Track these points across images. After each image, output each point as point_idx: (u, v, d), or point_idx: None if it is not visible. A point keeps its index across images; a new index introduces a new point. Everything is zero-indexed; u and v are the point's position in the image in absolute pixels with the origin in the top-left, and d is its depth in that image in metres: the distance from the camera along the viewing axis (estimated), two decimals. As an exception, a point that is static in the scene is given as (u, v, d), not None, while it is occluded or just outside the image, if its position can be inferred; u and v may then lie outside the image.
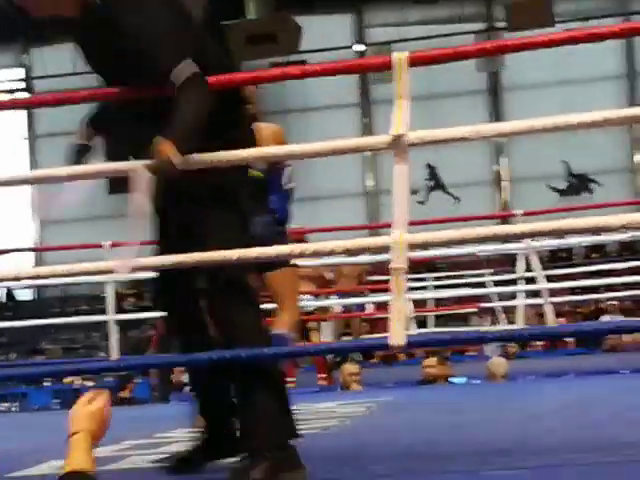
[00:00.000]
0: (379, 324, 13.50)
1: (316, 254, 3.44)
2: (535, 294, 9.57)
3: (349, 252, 3.42)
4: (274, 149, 3.69)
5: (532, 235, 3.97)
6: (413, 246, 3.35)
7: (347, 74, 3.38)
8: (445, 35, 19.88)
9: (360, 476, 3.25)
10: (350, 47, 21.82)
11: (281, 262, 4.65)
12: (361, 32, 22.63)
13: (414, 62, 3.16)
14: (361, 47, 21.92)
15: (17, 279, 3.79)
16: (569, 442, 3.62)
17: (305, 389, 8.79)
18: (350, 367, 8.42)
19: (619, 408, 4.92)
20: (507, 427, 4.35)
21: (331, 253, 3.44)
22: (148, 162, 3.08)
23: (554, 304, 8.83)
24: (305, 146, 3.34)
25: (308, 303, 9.44)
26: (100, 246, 7.93)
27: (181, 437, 4.59)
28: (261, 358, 3.14)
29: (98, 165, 3.69)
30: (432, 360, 8.37)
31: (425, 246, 3.14)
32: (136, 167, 3.17)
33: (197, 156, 3.11)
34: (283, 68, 3.52)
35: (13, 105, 4.06)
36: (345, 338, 10.53)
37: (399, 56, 3.13)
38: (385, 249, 3.35)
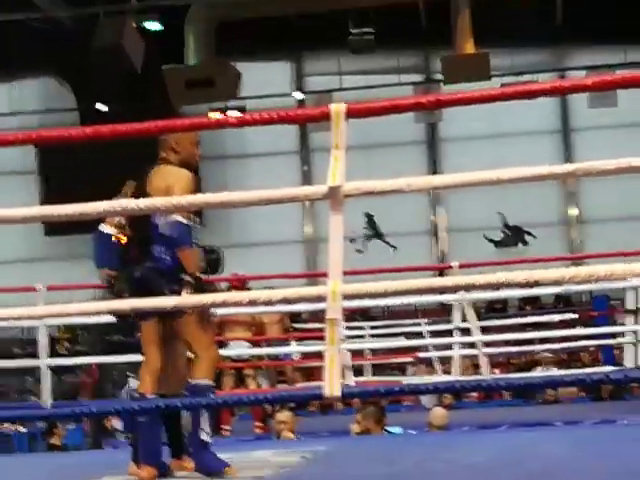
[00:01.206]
0: (315, 372, 13.47)
1: (252, 303, 3.43)
2: (471, 345, 9.62)
3: (283, 302, 3.42)
4: (209, 197, 3.68)
5: (468, 288, 4.00)
6: (348, 296, 3.35)
7: (286, 124, 3.39)
8: (383, 85, 20.09)
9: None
10: (290, 94, 21.93)
11: (179, 310, 4.53)
12: (300, 80, 22.77)
13: (352, 114, 3.18)
14: (300, 95, 22.06)
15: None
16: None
17: (241, 437, 8.72)
18: (281, 415, 8.35)
19: (552, 460, 4.94)
20: (440, 478, 4.34)
21: (269, 302, 3.43)
22: None
23: (489, 355, 8.88)
24: (242, 194, 3.34)
25: (242, 351, 9.40)
26: (34, 289, 7.83)
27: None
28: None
29: (33, 209, 3.65)
30: (358, 416, 8.32)
31: (361, 296, 3.15)
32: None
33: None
34: (221, 117, 3.53)
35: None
36: (280, 386, 10.49)
37: (337, 107, 3.16)
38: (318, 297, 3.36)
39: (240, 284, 9.06)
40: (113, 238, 5.36)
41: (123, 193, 5.05)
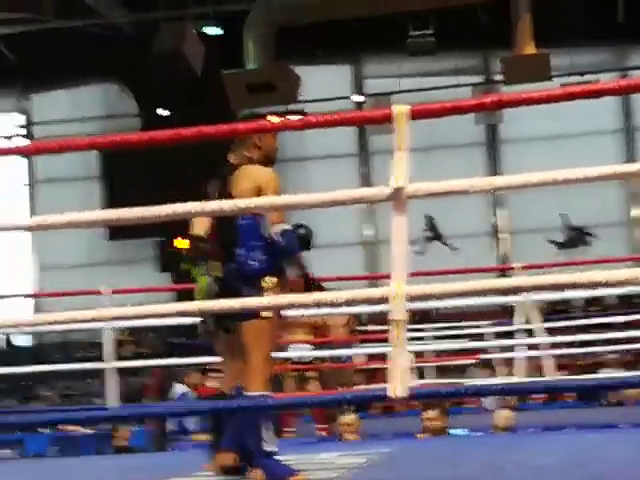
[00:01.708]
0: (376, 375, 13.46)
1: (316, 305, 3.45)
2: (534, 346, 9.55)
3: (347, 304, 3.43)
4: (272, 199, 3.71)
5: (531, 289, 3.99)
6: (412, 298, 3.35)
7: (349, 126, 3.40)
8: (442, 87, 20.01)
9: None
10: (349, 97, 21.95)
11: (249, 314, 4.51)
12: (360, 83, 22.77)
13: (415, 115, 3.18)
14: (360, 98, 22.05)
15: (15, 326, 3.78)
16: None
17: (303, 440, 8.74)
18: (346, 418, 8.36)
19: (618, 462, 4.89)
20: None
21: (332, 304, 3.44)
22: None
23: (554, 356, 8.80)
24: (307, 196, 3.36)
25: (304, 353, 9.41)
26: (99, 292, 7.91)
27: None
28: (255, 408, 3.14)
29: (97, 213, 3.69)
30: (433, 413, 8.30)
31: (424, 298, 3.15)
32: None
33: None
34: (284, 120, 3.55)
35: (14, 152, 4.08)
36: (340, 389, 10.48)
37: (400, 109, 3.16)
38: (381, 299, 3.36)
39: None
40: None
41: (210, 194, 4.96)
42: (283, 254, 4.67)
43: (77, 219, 3.59)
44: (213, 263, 4.78)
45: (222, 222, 4.76)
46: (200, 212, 3.87)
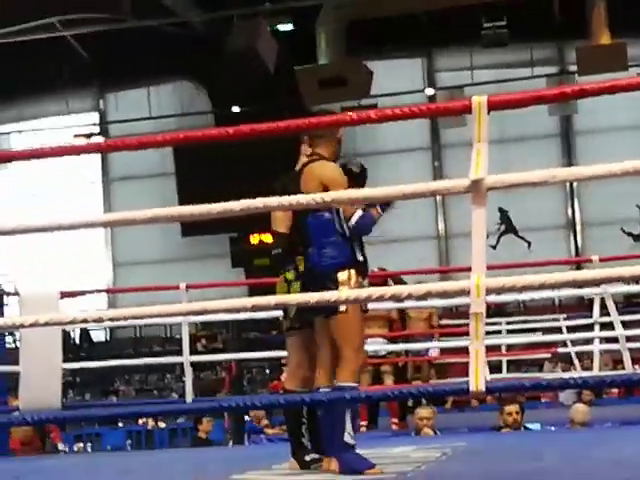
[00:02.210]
0: (447, 369, 13.41)
1: (394, 298, 3.44)
2: (610, 340, 9.43)
3: (425, 297, 3.42)
4: (351, 192, 3.71)
5: (609, 281, 3.94)
6: (491, 290, 3.32)
7: (425, 117, 3.39)
8: (516, 79, 19.83)
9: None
10: (421, 91, 21.87)
11: (329, 309, 4.52)
12: (432, 76, 22.68)
13: (493, 106, 3.15)
14: (432, 91, 21.96)
15: (97, 320, 3.82)
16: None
17: (378, 433, 8.74)
18: (423, 411, 8.34)
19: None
20: (589, 474, 4.27)
21: (408, 297, 3.43)
22: None
23: (631, 350, 8.68)
24: (385, 189, 3.35)
25: (380, 347, 9.40)
26: (177, 287, 7.98)
27: (257, 479, 4.60)
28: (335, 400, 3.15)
29: (171, 209, 3.72)
30: (510, 407, 8.24)
31: (504, 290, 3.13)
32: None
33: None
34: (361, 112, 3.54)
35: (92, 149, 4.14)
36: (415, 383, 10.46)
37: (478, 99, 3.14)
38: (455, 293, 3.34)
39: (381, 280, 9.05)
40: None
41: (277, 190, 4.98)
42: (361, 233, 4.69)
43: (151, 215, 3.62)
44: (299, 258, 4.84)
45: (298, 220, 4.80)
46: (275, 207, 3.87)
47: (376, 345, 9.27)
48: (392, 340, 9.64)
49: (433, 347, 10.77)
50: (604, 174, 3.18)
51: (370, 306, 4.91)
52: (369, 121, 3.45)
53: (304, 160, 4.93)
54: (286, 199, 3.41)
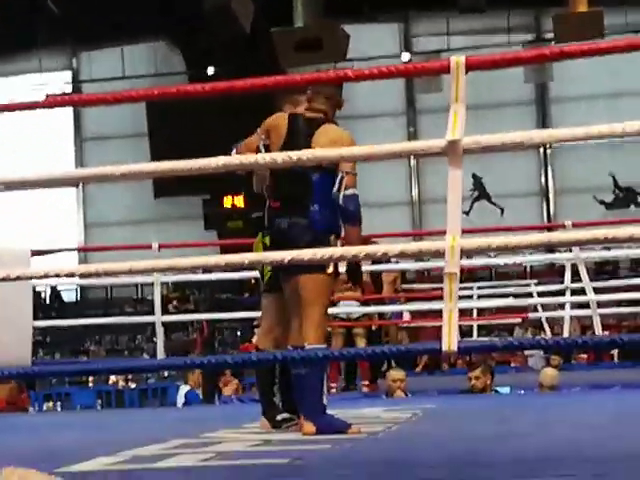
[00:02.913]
0: (419, 333, 13.48)
1: (368, 257, 3.44)
2: (580, 307, 9.51)
3: (400, 256, 3.42)
4: (328, 151, 3.70)
5: (583, 244, 3.96)
6: (465, 251, 3.33)
7: (405, 77, 3.38)
8: (492, 46, 19.83)
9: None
10: (398, 56, 21.82)
11: (312, 267, 4.46)
12: (408, 41, 22.63)
13: (472, 66, 3.15)
14: (408, 56, 21.92)
15: (67, 275, 3.80)
16: (627, 450, 3.57)
17: (349, 395, 8.78)
18: (395, 374, 8.38)
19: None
20: (560, 436, 4.30)
21: (384, 256, 3.43)
22: None
23: (600, 316, 8.76)
24: (363, 148, 3.34)
25: (352, 310, 9.42)
26: (149, 247, 7.95)
27: (229, 437, 4.61)
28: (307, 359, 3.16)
29: (147, 165, 3.69)
30: (479, 371, 8.31)
31: (473, 254, 3.13)
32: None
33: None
34: (339, 71, 3.53)
35: (66, 103, 4.10)
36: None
37: (457, 60, 3.13)
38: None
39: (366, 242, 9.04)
40: None
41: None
42: (344, 218, 4.65)
43: (125, 171, 3.58)
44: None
45: (284, 177, 4.70)
46: (269, 164, 3.83)
47: (348, 308, 9.28)
48: (365, 303, 9.66)
49: (402, 310, 10.80)
50: (580, 137, 3.18)
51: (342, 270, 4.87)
52: (346, 79, 3.43)
53: (309, 115, 4.81)
54: (282, 155, 3.38)
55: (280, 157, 3.38)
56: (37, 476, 2.43)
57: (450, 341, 3.21)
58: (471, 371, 8.40)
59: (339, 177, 4.60)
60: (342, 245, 4.66)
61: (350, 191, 4.62)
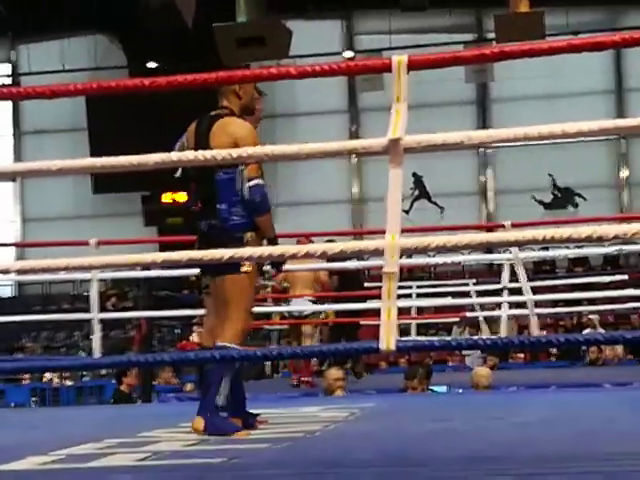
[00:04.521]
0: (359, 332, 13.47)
1: (308, 256, 3.42)
2: (518, 306, 9.57)
3: (339, 255, 3.41)
4: (266, 149, 3.67)
5: (522, 244, 3.97)
6: (404, 250, 3.32)
7: (347, 75, 3.36)
8: (434, 45, 19.93)
9: (346, 481, 3.22)
10: (340, 53, 21.85)
11: (227, 267, 4.47)
12: (350, 39, 22.67)
13: (413, 65, 3.14)
14: (350, 54, 21.96)
15: (6, 272, 3.73)
16: (557, 451, 3.61)
17: (286, 394, 8.77)
18: (335, 372, 8.38)
19: (604, 420, 4.91)
20: (494, 435, 4.33)
21: (323, 255, 3.41)
22: None
23: (538, 316, 8.83)
24: (302, 146, 3.32)
25: (302, 308, 9.46)
26: (87, 243, 7.85)
27: (166, 436, 4.57)
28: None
29: (84, 160, 3.63)
30: (414, 382, 8.34)
31: (413, 253, 3.13)
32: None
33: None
34: (282, 68, 3.50)
35: (4, 95, 4.02)
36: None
37: (399, 59, 3.12)
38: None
39: (304, 242, 9.07)
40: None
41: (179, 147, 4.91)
42: (252, 210, 4.62)
43: (65, 165, 3.53)
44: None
45: (200, 177, 4.69)
46: (182, 162, 3.83)
47: (300, 305, 9.37)
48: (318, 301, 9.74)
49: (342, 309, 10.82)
50: (520, 137, 3.19)
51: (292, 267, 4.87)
52: (289, 77, 3.40)
53: (214, 112, 4.82)
54: (201, 153, 3.36)
55: (206, 155, 3.35)
56: None
57: (389, 340, 3.20)
58: (409, 380, 8.41)
59: (238, 170, 4.59)
60: (261, 241, 4.66)
61: (253, 182, 4.60)
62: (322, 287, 9.79)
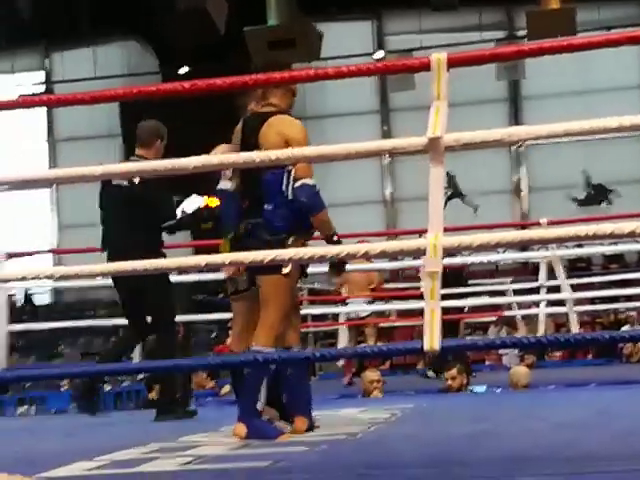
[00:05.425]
0: (394, 333, 13.47)
1: (350, 257, 3.41)
2: (554, 304, 9.51)
3: (380, 256, 3.39)
4: (307, 149, 3.67)
5: (563, 241, 3.96)
6: (447, 249, 3.30)
7: (385, 74, 3.36)
8: (465, 43, 19.83)
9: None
10: (370, 54, 21.81)
11: (268, 268, 4.33)
12: (381, 39, 22.63)
13: (453, 63, 3.13)
14: (381, 54, 21.92)
15: (35, 278, 3.75)
16: (599, 451, 3.57)
17: (324, 396, 8.75)
18: (371, 374, 8.37)
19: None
20: (534, 435, 4.29)
21: (364, 256, 3.40)
22: None
23: (576, 314, 8.78)
24: (338, 147, 3.31)
25: (359, 308, 9.58)
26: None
27: (208, 440, 4.57)
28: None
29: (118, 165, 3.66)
30: (453, 371, 8.32)
31: (455, 252, 3.12)
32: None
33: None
34: (317, 69, 3.50)
35: (43, 103, 4.06)
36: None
37: (438, 57, 3.12)
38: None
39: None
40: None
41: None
42: (303, 210, 4.56)
43: (104, 171, 3.56)
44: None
45: (248, 176, 4.65)
46: (229, 164, 3.84)
47: (356, 306, 9.50)
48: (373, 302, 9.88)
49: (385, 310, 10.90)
50: (559, 133, 3.17)
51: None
52: (326, 77, 3.40)
53: (259, 110, 4.76)
54: (248, 155, 3.37)
55: (254, 157, 3.35)
56: None
57: (432, 340, 3.19)
58: (447, 371, 8.39)
59: (285, 172, 4.55)
60: (303, 244, 4.63)
61: (298, 182, 4.54)
62: (375, 288, 9.87)
